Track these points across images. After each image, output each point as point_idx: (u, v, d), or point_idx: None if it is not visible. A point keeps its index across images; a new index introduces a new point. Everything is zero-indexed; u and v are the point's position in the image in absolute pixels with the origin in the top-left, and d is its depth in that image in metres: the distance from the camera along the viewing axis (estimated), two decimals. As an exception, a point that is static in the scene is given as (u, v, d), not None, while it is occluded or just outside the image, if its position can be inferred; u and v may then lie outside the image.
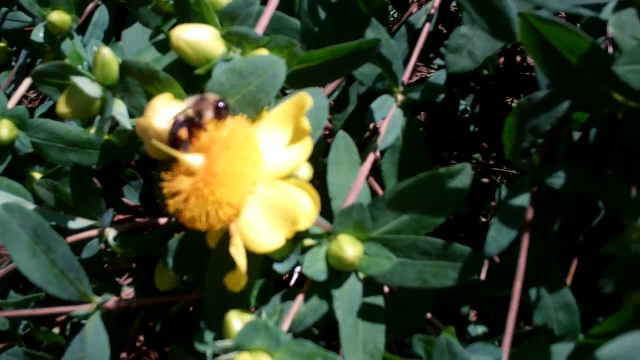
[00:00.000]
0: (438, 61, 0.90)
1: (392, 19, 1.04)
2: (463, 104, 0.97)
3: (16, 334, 0.80)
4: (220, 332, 0.51)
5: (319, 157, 0.70)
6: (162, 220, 0.74)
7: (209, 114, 0.48)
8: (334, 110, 0.82)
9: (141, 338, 1.14)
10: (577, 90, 0.50)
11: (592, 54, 0.48)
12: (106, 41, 0.89)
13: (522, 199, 0.56)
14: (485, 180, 1.05)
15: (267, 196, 0.47)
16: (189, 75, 0.56)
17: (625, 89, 0.46)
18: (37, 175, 0.85)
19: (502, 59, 1.13)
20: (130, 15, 0.83)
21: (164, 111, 0.49)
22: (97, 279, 0.77)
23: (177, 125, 0.48)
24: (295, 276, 0.75)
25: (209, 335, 0.53)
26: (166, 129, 0.48)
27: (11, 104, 0.81)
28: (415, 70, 1.29)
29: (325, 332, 0.74)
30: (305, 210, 0.47)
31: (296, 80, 0.59)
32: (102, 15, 0.87)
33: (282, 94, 0.59)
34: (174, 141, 0.48)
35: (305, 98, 0.48)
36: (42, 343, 0.85)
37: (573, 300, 0.61)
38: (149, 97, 0.53)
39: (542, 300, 0.62)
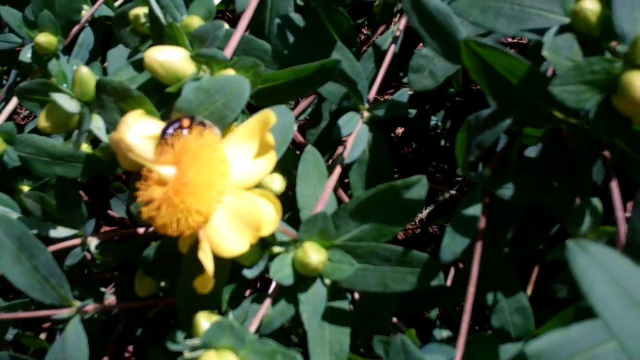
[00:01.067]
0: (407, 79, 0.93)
1: (368, 37, 1.07)
2: (435, 120, 1.01)
3: (3, 340, 0.83)
4: (190, 332, 0.55)
5: (292, 171, 0.73)
6: (141, 230, 0.77)
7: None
8: (308, 125, 0.85)
9: (130, 349, 1.16)
10: (520, 109, 0.53)
11: (530, 76, 0.51)
12: (92, 60, 0.92)
13: (475, 209, 0.59)
14: (453, 192, 1.08)
15: (233, 205, 0.51)
16: (161, 94, 0.60)
17: (563, 107, 0.49)
18: (26, 189, 0.88)
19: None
20: (115, 37, 0.87)
21: (136, 126, 0.52)
22: (81, 287, 0.80)
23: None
24: (274, 284, 0.79)
25: (180, 336, 0.56)
26: (137, 143, 0.52)
27: (1, 120, 0.85)
28: (387, 87, 1.33)
29: (303, 339, 0.77)
30: (268, 217, 0.51)
31: (263, 98, 0.62)
32: (87, 37, 0.91)
33: (254, 110, 0.63)
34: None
35: (269, 115, 0.52)
36: (29, 348, 0.87)
37: (528, 304, 0.64)
38: (124, 113, 0.56)
39: (499, 305, 0.65)
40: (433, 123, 1.02)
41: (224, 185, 0.51)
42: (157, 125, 0.53)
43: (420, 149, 1.08)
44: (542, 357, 0.44)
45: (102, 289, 0.92)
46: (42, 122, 0.62)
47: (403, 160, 1.16)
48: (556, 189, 0.59)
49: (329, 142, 0.82)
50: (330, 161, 0.82)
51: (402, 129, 1.23)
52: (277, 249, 0.61)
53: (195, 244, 0.55)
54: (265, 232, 0.50)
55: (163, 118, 0.57)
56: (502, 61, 0.51)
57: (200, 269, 0.51)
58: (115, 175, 1.01)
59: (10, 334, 0.85)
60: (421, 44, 1.11)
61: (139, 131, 0.52)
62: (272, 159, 0.52)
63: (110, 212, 0.99)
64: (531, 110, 0.53)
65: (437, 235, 1.28)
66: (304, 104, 0.81)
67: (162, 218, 0.50)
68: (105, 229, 1.00)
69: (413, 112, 0.97)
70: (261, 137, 0.53)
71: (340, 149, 0.91)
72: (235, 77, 0.56)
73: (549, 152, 0.60)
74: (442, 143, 1.04)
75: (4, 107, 0.91)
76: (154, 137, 0.52)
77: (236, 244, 0.50)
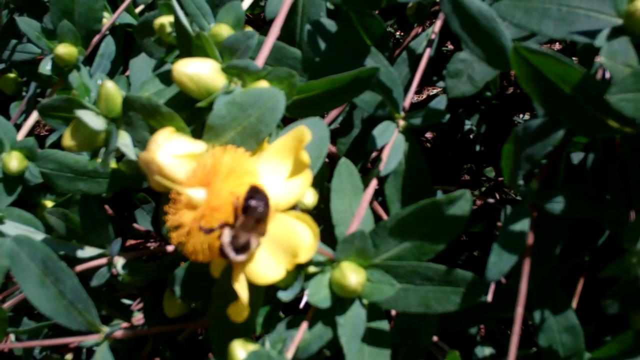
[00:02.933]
0: (442, 83, 0.90)
1: (397, 39, 1.04)
2: (468, 124, 0.98)
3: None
4: (226, 360, 0.52)
5: (323, 183, 0.71)
6: (170, 248, 0.75)
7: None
8: (339, 134, 0.82)
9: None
10: (572, 119, 0.50)
11: (585, 84, 0.48)
12: (114, 70, 0.90)
13: (522, 224, 0.56)
14: (491, 200, 1.05)
15: (268, 229, 0.48)
16: (191, 108, 0.57)
17: (619, 116, 0.46)
18: (49, 204, 0.86)
19: (512, 72, 1.13)
20: (137, 45, 0.85)
21: (166, 145, 0.50)
22: (107, 305, 0.78)
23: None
24: (305, 299, 0.76)
25: (214, 365, 0.54)
26: (168, 163, 0.49)
27: (21, 134, 0.83)
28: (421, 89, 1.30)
29: (337, 352, 0.75)
30: (305, 242, 0.48)
31: (297, 110, 0.60)
32: (108, 47, 0.88)
33: (284, 123, 0.60)
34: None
35: (304, 132, 0.49)
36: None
37: (577, 322, 0.61)
38: (152, 130, 0.53)
39: (547, 323, 0.62)
40: (467, 127, 0.98)
41: (257, 209, 0.48)
42: (188, 144, 0.50)
43: (452, 153, 1.04)
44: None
45: (127, 301, 0.91)
46: (67, 140, 0.59)
47: (432, 164, 1.13)
48: (609, 202, 0.55)
49: (361, 151, 0.79)
50: (364, 171, 0.79)
51: (432, 133, 1.20)
52: (312, 269, 0.58)
53: (227, 268, 0.52)
54: (303, 258, 0.48)
55: (193, 134, 0.54)
56: (554, 68, 0.48)
57: (233, 294, 0.48)
58: (140, 188, 0.99)
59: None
60: (448, 43, 1.08)
61: (170, 150, 0.49)
62: (307, 178, 0.49)
63: (136, 225, 0.96)
64: (584, 119, 0.50)
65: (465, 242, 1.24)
66: (335, 112, 0.78)
67: (192, 244, 0.47)
68: (131, 242, 0.98)
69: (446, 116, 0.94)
70: (295, 155, 0.50)
71: (374, 155, 0.88)
72: (269, 89, 0.52)
73: (600, 163, 0.57)
74: (477, 148, 1.00)
75: (23, 121, 0.89)
76: (185, 156, 0.49)
77: (271, 271, 0.48)
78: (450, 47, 1.11)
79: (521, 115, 1.20)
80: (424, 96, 1.38)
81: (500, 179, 1.19)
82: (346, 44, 0.66)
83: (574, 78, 0.48)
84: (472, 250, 1.05)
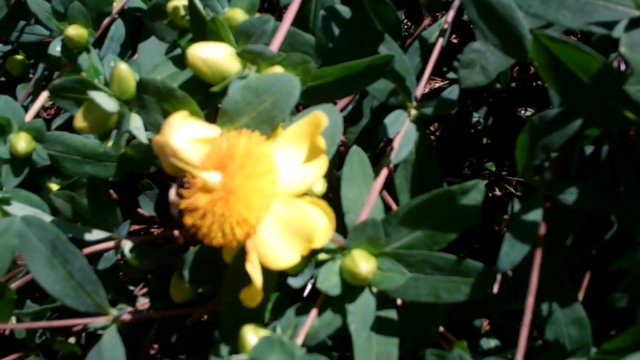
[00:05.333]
0: (452, 74, 0.90)
1: (405, 32, 1.04)
2: (476, 116, 0.97)
3: (33, 344, 0.81)
4: (235, 346, 0.52)
5: (332, 171, 0.70)
6: (177, 233, 0.75)
7: None
8: (347, 123, 0.82)
9: (155, 346, 1.14)
10: (589, 109, 0.50)
11: (604, 73, 0.48)
12: (122, 54, 0.90)
13: (535, 215, 0.56)
14: (498, 193, 1.05)
15: (283, 213, 0.47)
16: (204, 93, 0.57)
17: (637, 107, 0.46)
18: (54, 187, 0.86)
19: (517, 68, 1.13)
20: (147, 28, 0.84)
21: (181, 129, 0.49)
22: (112, 289, 0.78)
23: None
24: (309, 287, 0.76)
25: (224, 349, 0.54)
26: (182, 147, 0.49)
27: (29, 116, 0.82)
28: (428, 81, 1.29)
29: (338, 342, 0.75)
30: (320, 227, 0.48)
31: (310, 97, 0.59)
32: (118, 29, 0.88)
33: (296, 110, 0.60)
34: None
35: (321, 117, 0.48)
36: (58, 352, 0.85)
37: (585, 315, 0.61)
38: (166, 113, 0.53)
39: (554, 315, 0.62)
40: (474, 119, 0.98)
41: (273, 192, 0.47)
42: (202, 128, 0.50)
43: (458, 145, 1.04)
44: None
45: (131, 287, 0.90)
46: (79, 122, 0.59)
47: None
48: (622, 194, 0.55)
49: (370, 141, 0.79)
50: (372, 161, 0.79)
51: (437, 125, 1.20)
52: (322, 256, 0.58)
53: (240, 253, 0.52)
54: (318, 243, 0.47)
55: (206, 119, 0.53)
56: (573, 56, 0.48)
57: (246, 279, 0.48)
58: (146, 173, 0.98)
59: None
60: (454, 36, 1.08)
61: (184, 134, 0.49)
62: (323, 163, 0.49)
63: (140, 210, 0.96)
64: (601, 110, 0.50)
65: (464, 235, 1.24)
66: (344, 100, 0.78)
67: (207, 227, 0.46)
68: (134, 227, 0.97)
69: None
70: (311, 141, 0.49)
71: (381, 146, 0.88)
72: (284, 74, 0.52)
73: (614, 155, 0.57)
74: (484, 140, 1.00)
75: (30, 103, 0.89)
76: (199, 140, 0.49)
77: (286, 256, 0.47)
78: (455, 41, 1.11)
79: (522, 112, 1.20)
80: (427, 89, 1.38)
81: (504, 172, 1.19)
82: (360, 31, 0.66)
83: (593, 67, 0.48)
84: (471, 244, 1.05)
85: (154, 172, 0.88)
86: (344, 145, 0.79)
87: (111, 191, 0.92)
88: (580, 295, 0.69)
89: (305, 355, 0.50)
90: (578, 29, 0.53)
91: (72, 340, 0.86)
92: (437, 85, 1.40)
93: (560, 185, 0.55)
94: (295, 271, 0.56)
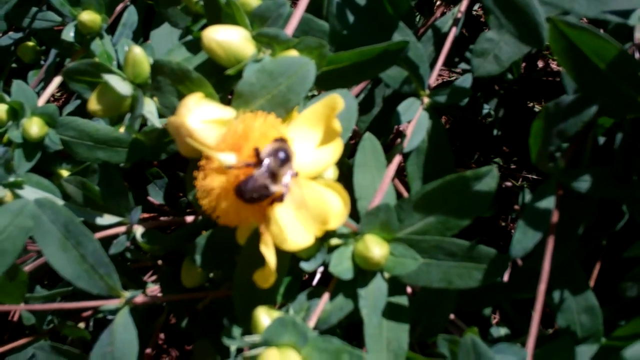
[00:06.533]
0: (462, 65, 0.90)
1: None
2: (487, 108, 0.97)
3: (42, 329, 0.81)
4: (248, 327, 0.52)
5: (344, 159, 0.70)
6: (189, 219, 0.75)
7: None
8: (359, 112, 0.82)
9: (162, 336, 1.15)
10: (605, 95, 0.50)
11: (620, 60, 0.48)
12: (134, 41, 0.90)
13: (548, 202, 0.56)
14: (508, 184, 1.05)
15: (298, 195, 0.48)
16: (219, 75, 0.57)
17: (652, 95, 0.47)
18: (64, 173, 0.86)
19: (523, 64, 1.13)
20: (158, 16, 0.84)
21: (196, 110, 0.49)
22: (122, 275, 0.78)
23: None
24: (318, 276, 0.76)
25: (236, 331, 0.54)
26: (198, 128, 0.49)
27: (41, 102, 0.82)
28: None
29: (347, 331, 0.75)
30: (335, 210, 0.48)
31: (324, 82, 0.59)
32: (131, 16, 0.88)
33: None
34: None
35: (337, 100, 0.49)
36: (66, 338, 0.85)
37: (596, 303, 0.61)
38: (180, 96, 0.53)
39: (566, 303, 0.62)
40: (485, 111, 0.98)
41: (288, 174, 0.47)
42: (217, 110, 0.50)
43: (469, 136, 1.04)
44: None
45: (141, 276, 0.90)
46: (93, 105, 0.59)
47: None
48: (636, 183, 0.55)
49: (382, 129, 0.79)
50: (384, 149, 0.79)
51: (446, 118, 1.20)
52: (335, 241, 0.58)
53: (253, 235, 0.52)
54: (333, 225, 0.47)
55: (221, 101, 0.54)
56: (590, 43, 0.48)
57: (259, 261, 0.48)
58: (158, 160, 0.99)
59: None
60: (463, 30, 1.07)
61: (200, 115, 0.49)
62: (338, 146, 0.49)
63: (150, 198, 0.96)
64: (616, 97, 0.50)
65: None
66: (356, 89, 0.78)
67: (223, 208, 0.47)
68: (143, 215, 0.98)
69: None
70: (326, 124, 0.50)
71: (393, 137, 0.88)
72: (300, 58, 0.52)
73: (628, 144, 0.57)
74: (494, 132, 1.00)
75: (42, 89, 0.89)
76: (214, 121, 0.49)
77: (300, 237, 0.47)
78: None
79: (531, 104, 1.20)
80: (435, 84, 1.38)
81: (513, 166, 1.19)
82: (374, 18, 0.66)
83: (609, 54, 0.48)
84: (477, 236, 1.05)
85: (161, 161, 0.88)
86: (355, 133, 0.79)
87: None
88: (591, 284, 0.69)
89: (318, 337, 0.50)
90: (594, 17, 0.52)
91: (81, 325, 0.86)
92: (445, 79, 1.40)
93: (574, 173, 0.55)
94: (308, 255, 0.56)
